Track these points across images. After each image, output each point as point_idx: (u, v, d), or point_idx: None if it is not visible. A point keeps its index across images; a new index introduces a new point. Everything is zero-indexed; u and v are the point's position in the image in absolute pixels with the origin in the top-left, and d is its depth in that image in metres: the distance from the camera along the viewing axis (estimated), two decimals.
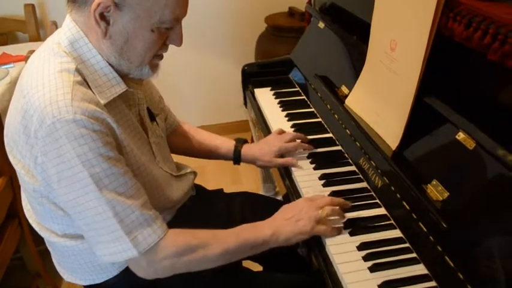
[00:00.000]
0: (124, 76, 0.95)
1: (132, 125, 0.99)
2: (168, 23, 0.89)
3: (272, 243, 0.99)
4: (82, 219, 0.87)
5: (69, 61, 0.88)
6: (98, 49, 0.90)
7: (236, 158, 1.31)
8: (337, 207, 1.02)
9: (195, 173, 1.27)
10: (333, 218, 1.02)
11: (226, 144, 1.32)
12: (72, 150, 0.81)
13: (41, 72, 0.86)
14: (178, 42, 0.95)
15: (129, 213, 0.87)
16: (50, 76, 0.85)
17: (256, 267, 1.34)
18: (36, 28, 2.36)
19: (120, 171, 0.87)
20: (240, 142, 1.32)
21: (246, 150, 1.30)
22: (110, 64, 0.92)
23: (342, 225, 1.01)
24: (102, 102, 0.88)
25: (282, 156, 1.28)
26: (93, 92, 0.88)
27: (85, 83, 0.88)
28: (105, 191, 0.84)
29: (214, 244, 0.94)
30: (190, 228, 0.97)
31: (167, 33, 0.92)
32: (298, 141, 1.30)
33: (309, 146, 1.30)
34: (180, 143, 1.32)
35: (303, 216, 0.99)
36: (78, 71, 0.88)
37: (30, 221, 1.04)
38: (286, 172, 1.26)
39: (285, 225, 0.99)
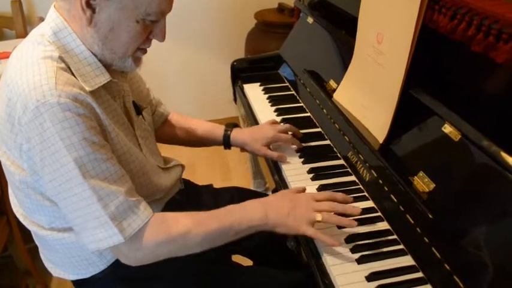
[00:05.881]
0: (108, 67, 0.95)
1: (118, 115, 0.98)
2: (154, 15, 0.89)
3: (259, 228, 0.95)
4: (68, 206, 0.86)
5: (52, 49, 0.88)
6: (81, 39, 0.90)
7: (226, 142, 1.31)
8: (336, 217, 0.95)
9: (182, 166, 1.27)
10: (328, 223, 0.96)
11: (216, 129, 1.32)
12: (56, 134, 0.81)
13: (24, 60, 0.86)
14: (161, 37, 0.95)
15: (113, 198, 0.86)
16: (34, 63, 0.85)
17: (247, 261, 1.35)
18: (23, 24, 2.34)
19: (104, 156, 0.86)
20: (230, 126, 1.32)
21: (236, 134, 1.30)
22: (93, 54, 0.91)
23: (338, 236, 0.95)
24: (87, 89, 0.88)
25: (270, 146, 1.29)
26: (78, 80, 0.88)
27: (69, 70, 0.88)
28: (88, 176, 0.84)
29: (194, 231, 0.92)
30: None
31: (151, 27, 0.92)
32: (290, 134, 1.30)
33: (299, 143, 1.29)
34: (171, 132, 1.32)
35: (296, 213, 0.94)
36: (61, 58, 0.87)
37: (18, 215, 1.03)
38: (275, 166, 1.26)
39: (275, 212, 0.95)
